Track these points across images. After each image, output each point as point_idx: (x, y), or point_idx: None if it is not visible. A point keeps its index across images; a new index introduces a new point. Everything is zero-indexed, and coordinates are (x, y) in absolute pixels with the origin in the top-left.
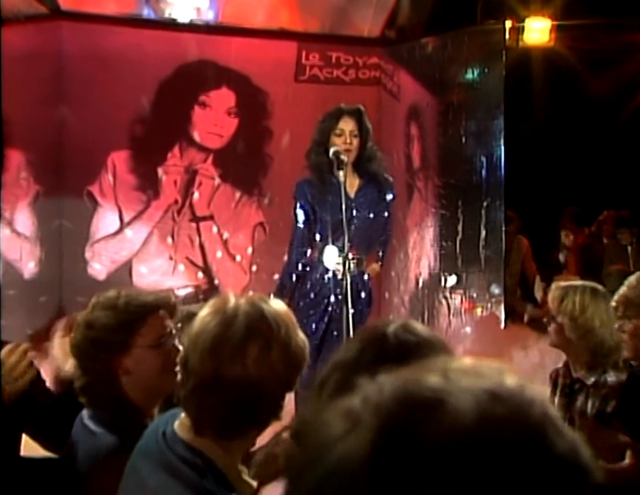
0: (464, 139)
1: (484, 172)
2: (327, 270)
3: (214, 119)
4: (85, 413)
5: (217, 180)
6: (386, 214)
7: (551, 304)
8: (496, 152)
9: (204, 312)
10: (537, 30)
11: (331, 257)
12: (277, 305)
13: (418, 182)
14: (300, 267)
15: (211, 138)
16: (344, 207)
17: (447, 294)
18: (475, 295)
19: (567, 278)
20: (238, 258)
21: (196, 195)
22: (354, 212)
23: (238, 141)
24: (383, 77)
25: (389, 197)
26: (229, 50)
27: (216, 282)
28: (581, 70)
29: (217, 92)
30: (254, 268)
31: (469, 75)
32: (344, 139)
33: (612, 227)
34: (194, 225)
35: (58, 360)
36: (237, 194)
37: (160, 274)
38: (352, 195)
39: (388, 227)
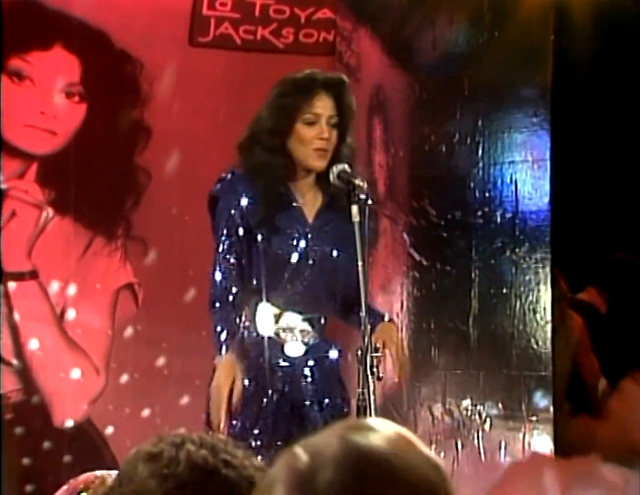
0: (479, 148)
1: (513, 202)
2: (273, 340)
3: (39, 103)
4: None
5: (47, 211)
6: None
7: None
8: (537, 168)
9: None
10: None
11: (266, 318)
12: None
13: (386, 216)
14: (226, 335)
15: (34, 136)
16: (360, 265)
17: (450, 404)
18: (501, 409)
19: None
20: (85, 346)
21: (3, 235)
22: (310, 245)
23: (86, 143)
24: (339, 42)
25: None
26: None
27: (38, 388)
28: None
29: (45, 54)
30: (114, 364)
31: (476, 40)
32: (319, 130)
33: None
34: None
35: None
36: (86, 235)
37: None
38: (309, 219)
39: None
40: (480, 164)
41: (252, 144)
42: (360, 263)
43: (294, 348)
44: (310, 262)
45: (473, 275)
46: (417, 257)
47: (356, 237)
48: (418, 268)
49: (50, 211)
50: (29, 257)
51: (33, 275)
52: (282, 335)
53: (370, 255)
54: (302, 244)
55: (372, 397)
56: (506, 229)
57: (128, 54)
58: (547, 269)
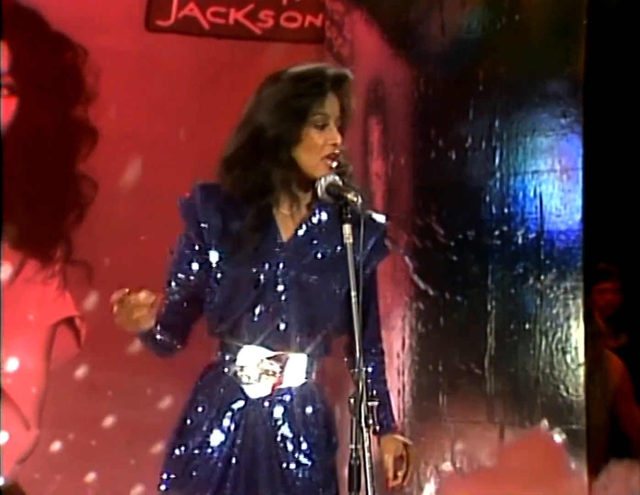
0: (497, 154)
1: (538, 219)
2: (236, 386)
3: None
4: None
5: None
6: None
7: None
8: (566, 179)
9: None
10: None
11: (251, 361)
12: None
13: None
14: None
15: None
16: (353, 295)
17: (461, 462)
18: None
19: None
20: (12, 394)
21: None
22: (282, 269)
23: (17, 146)
24: (328, 28)
25: (374, 261)
26: None
27: None
28: None
29: None
30: (49, 416)
31: (493, 25)
32: (330, 134)
33: None
34: None
35: None
36: (15, 258)
37: None
38: (284, 238)
39: (371, 311)
40: (498, 174)
41: (243, 157)
42: (354, 294)
43: (253, 390)
44: (281, 288)
45: (489, 307)
46: (421, 285)
47: (349, 262)
48: (423, 299)
49: None
50: None
51: None
52: (239, 374)
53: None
54: (272, 266)
55: (367, 455)
56: (529, 251)
57: (68, 39)
58: (579, 301)
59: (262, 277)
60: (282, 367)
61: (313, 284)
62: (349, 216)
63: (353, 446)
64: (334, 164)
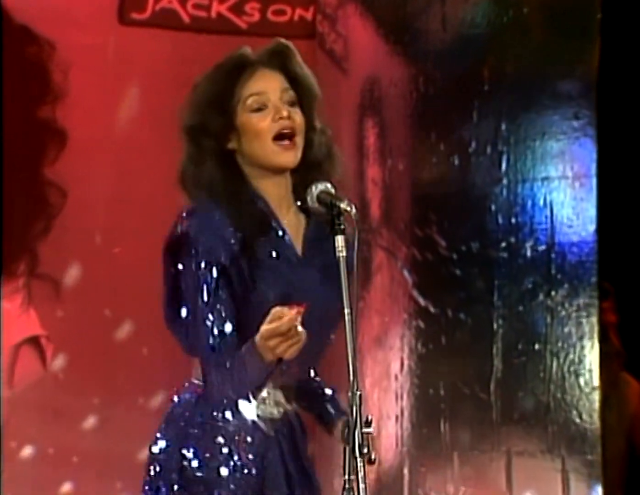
0: (503, 160)
1: (548, 230)
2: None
3: None
4: None
5: None
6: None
7: None
8: (579, 186)
9: None
10: None
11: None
12: None
13: (382, 248)
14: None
15: None
16: (347, 313)
17: (461, 492)
18: None
19: None
20: None
21: None
22: (306, 286)
23: None
24: (320, 22)
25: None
26: None
27: None
28: None
29: None
30: (12, 445)
31: (499, 19)
32: (274, 110)
33: None
34: None
35: None
36: None
37: None
38: (298, 250)
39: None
40: (505, 181)
41: (194, 163)
42: (347, 311)
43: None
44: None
45: (495, 325)
46: (421, 301)
47: (342, 277)
48: (423, 316)
49: None
50: None
51: None
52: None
53: (360, 300)
54: (292, 284)
55: (362, 486)
56: (539, 265)
57: (33, 33)
58: (593, 319)
59: (281, 297)
60: (287, 394)
61: (326, 301)
62: (342, 227)
63: (346, 477)
64: (293, 143)
